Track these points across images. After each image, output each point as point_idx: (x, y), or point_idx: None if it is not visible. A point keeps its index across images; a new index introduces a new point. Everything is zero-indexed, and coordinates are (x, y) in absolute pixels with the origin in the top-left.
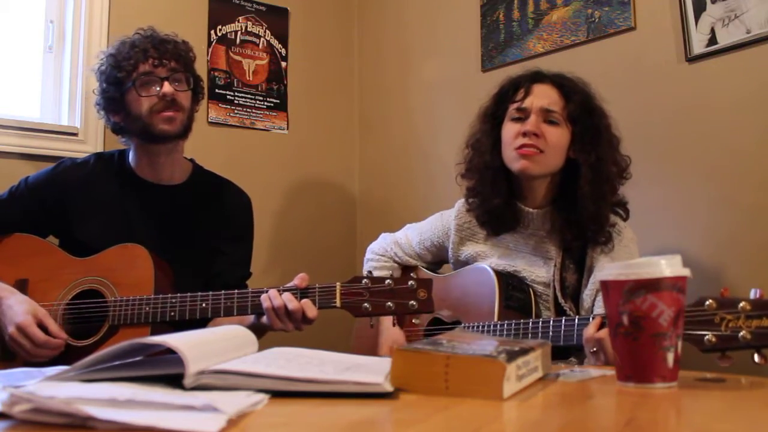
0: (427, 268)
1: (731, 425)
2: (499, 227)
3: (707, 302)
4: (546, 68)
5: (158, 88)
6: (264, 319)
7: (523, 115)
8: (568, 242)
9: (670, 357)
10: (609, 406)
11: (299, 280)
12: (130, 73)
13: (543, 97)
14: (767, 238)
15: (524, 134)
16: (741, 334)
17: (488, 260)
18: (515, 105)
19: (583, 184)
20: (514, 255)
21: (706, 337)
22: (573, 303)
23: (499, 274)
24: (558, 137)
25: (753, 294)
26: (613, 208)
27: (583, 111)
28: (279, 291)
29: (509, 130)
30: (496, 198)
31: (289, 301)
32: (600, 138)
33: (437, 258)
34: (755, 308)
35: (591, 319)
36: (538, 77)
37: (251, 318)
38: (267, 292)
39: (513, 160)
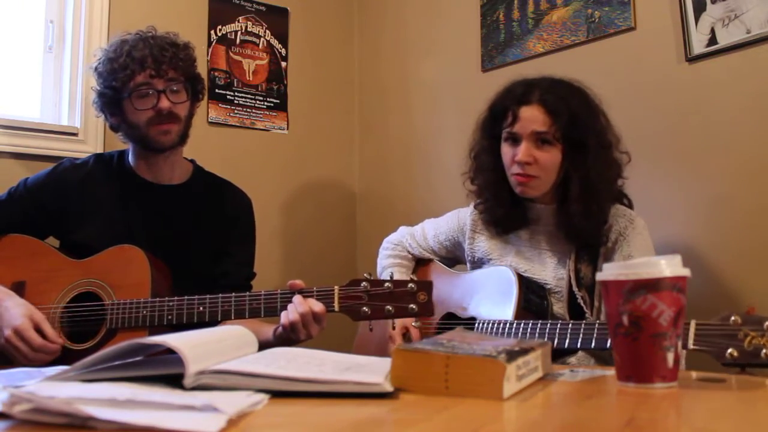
0: (441, 263)
1: (731, 425)
2: (508, 227)
3: (732, 318)
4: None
5: (155, 101)
6: (283, 319)
7: (515, 138)
8: (573, 240)
9: (670, 357)
10: (609, 406)
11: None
12: (126, 84)
13: (531, 121)
14: (766, 238)
15: (518, 162)
16: (763, 351)
17: (504, 259)
18: (506, 129)
19: (572, 202)
20: (529, 252)
21: (728, 350)
22: (587, 292)
23: (520, 277)
24: (550, 159)
25: None
26: (620, 199)
27: (571, 128)
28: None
29: (506, 153)
30: (500, 209)
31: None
32: (588, 154)
33: (451, 254)
34: None
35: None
36: (524, 99)
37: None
38: (262, 294)
39: (513, 185)
